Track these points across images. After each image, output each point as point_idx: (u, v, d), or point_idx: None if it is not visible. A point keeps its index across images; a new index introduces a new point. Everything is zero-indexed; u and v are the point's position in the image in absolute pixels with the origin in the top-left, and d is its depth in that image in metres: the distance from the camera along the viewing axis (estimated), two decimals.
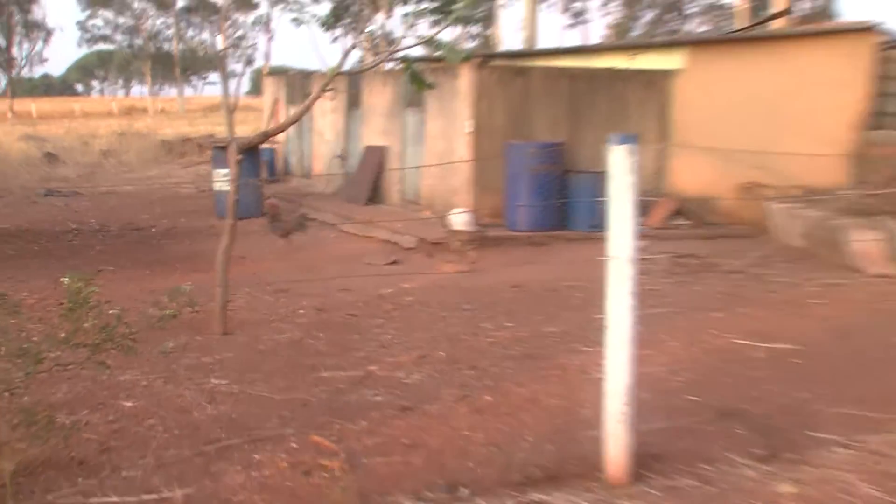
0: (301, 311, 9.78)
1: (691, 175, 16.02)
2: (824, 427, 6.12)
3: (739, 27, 24.76)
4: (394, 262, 12.94)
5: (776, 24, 22.76)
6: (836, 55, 16.34)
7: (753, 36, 20.04)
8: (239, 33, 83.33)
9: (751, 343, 8.50)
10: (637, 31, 48.76)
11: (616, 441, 5.15)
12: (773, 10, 23.62)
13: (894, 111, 16.59)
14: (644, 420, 5.25)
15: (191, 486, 5.16)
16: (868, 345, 8.67)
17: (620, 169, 5.06)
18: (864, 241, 12.52)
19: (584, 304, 9.61)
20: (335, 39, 69.36)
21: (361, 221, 15.60)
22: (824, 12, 44.14)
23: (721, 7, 41.83)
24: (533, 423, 6.29)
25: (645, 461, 5.22)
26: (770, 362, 7.99)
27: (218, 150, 16.99)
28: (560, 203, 14.69)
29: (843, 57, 16.27)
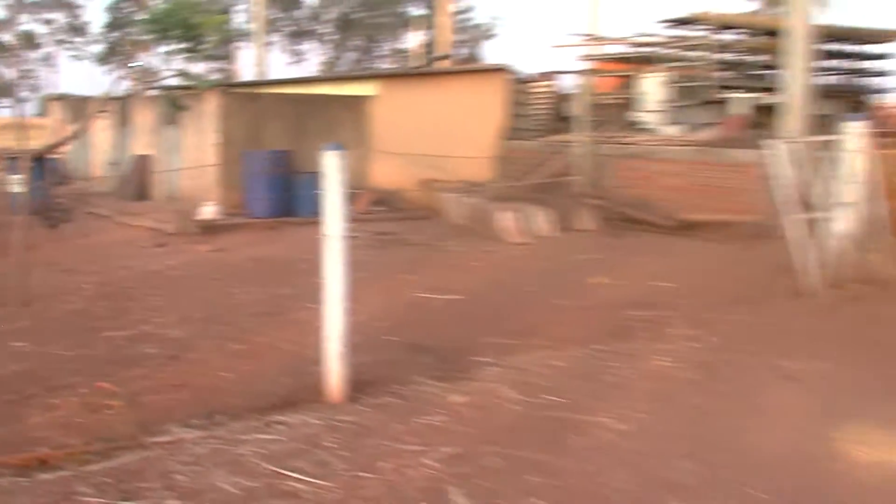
0: (86, 286, 9.16)
1: (386, 173, 16.21)
2: (483, 353, 6.39)
3: (416, 65, 25.25)
4: (160, 245, 12.34)
5: (442, 64, 23.36)
6: (482, 87, 17.42)
7: (427, 71, 20.75)
8: (27, 66, 76.94)
9: (432, 296, 8.73)
10: (342, 67, 48.77)
11: (335, 373, 5.18)
12: (439, 53, 24.23)
13: (523, 127, 17.58)
14: (356, 356, 5.29)
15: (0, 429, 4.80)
16: (511, 293, 9.11)
17: (332, 169, 5.09)
18: (505, 219, 13.15)
19: (308, 272, 9.43)
20: (108, 71, 65.26)
21: (133, 213, 14.81)
22: (473, 57, 45.80)
23: (403, 51, 42.66)
24: (272, 363, 6.23)
25: (358, 386, 5.28)
26: (446, 309, 8.25)
27: (11, 159, 15.64)
28: (288, 196, 14.49)
29: (487, 88, 17.35)
